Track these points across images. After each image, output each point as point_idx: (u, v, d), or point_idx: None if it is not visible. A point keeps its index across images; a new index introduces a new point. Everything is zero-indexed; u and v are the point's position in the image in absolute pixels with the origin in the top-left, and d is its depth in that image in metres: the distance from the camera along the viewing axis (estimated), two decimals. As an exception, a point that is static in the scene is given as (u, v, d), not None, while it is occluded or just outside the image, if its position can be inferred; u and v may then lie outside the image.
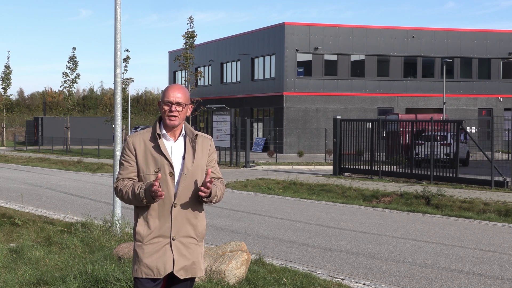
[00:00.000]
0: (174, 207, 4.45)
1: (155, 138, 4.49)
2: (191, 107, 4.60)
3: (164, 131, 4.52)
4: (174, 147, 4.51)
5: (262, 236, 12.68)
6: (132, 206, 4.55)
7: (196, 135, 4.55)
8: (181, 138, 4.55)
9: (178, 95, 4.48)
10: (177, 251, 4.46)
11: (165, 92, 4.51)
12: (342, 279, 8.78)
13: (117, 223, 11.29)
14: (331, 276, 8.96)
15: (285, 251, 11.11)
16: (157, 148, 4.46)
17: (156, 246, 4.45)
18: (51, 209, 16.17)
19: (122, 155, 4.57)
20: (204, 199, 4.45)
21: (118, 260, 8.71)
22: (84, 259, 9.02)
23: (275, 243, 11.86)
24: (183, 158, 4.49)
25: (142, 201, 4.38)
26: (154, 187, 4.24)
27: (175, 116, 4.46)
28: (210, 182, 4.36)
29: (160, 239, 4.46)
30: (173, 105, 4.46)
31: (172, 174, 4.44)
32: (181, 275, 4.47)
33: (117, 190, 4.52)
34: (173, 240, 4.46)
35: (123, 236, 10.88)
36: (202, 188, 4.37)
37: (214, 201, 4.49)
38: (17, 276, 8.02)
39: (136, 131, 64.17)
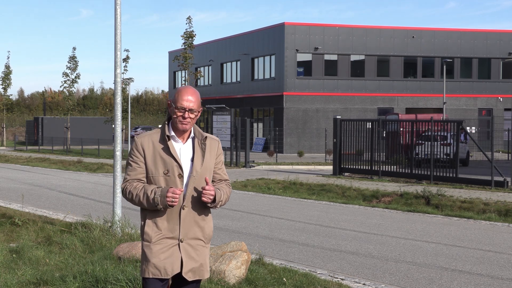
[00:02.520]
0: (183, 209, 4.44)
1: (164, 140, 4.46)
2: (201, 110, 4.57)
3: (173, 133, 4.49)
4: (182, 149, 4.50)
5: (262, 236, 12.68)
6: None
7: (206, 137, 4.53)
8: (190, 140, 4.53)
9: (192, 101, 4.42)
10: (186, 253, 4.46)
11: (178, 96, 4.44)
12: (342, 279, 8.78)
13: (117, 223, 11.27)
14: (331, 276, 8.95)
15: (285, 251, 11.11)
16: (167, 150, 4.44)
17: (164, 247, 4.44)
18: (51, 209, 16.16)
19: (130, 155, 4.53)
20: (209, 205, 4.45)
21: (118, 260, 8.71)
22: (84, 259, 9.02)
23: (275, 243, 11.86)
24: (192, 160, 4.47)
25: (157, 206, 4.36)
26: (169, 199, 4.28)
27: (187, 122, 4.45)
28: (205, 188, 4.38)
29: (169, 240, 4.45)
30: (186, 112, 4.42)
31: (181, 176, 4.43)
32: (190, 277, 4.47)
33: (125, 192, 4.49)
34: (181, 242, 4.45)
35: (123, 236, 10.86)
36: (203, 194, 4.38)
37: (218, 206, 4.48)
38: (17, 276, 8.01)
39: (136, 131, 64.16)
